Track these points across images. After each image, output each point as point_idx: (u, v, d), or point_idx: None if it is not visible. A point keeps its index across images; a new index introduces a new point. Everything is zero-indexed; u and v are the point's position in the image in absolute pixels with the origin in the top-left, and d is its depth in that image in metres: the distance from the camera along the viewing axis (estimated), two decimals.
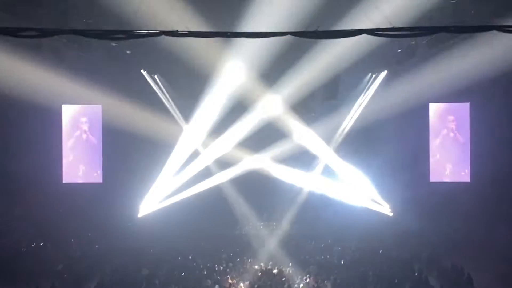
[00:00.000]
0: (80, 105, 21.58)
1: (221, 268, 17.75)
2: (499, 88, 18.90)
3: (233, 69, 18.52)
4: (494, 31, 7.36)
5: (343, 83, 19.94)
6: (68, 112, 21.54)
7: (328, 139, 22.49)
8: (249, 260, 18.49)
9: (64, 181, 21.55)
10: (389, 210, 22.01)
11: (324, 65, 17.63)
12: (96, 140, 21.64)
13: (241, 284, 16.45)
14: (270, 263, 18.12)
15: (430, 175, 21.40)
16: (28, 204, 20.83)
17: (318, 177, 22.74)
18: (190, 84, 20.00)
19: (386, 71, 20.42)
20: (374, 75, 21.33)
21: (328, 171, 22.65)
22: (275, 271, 17.30)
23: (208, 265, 17.97)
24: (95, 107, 21.60)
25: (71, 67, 17.56)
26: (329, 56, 16.94)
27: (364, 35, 7.26)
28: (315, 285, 16.16)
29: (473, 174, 21.09)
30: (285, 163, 22.28)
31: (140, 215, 22.11)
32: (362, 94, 21.89)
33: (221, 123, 21.52)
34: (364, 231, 20.94)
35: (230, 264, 18.09)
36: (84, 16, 14.05)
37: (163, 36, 7.24)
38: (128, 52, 18.14)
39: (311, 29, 7.42)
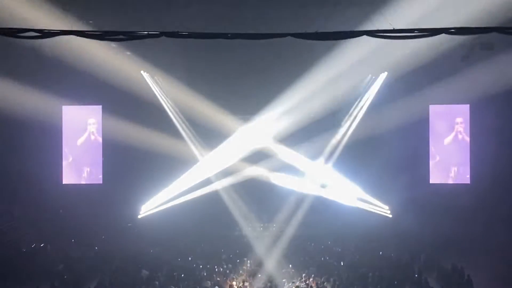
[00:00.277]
0: (80, 106, 21.61)
1: (221, 269, 17.74)
2: (499, 90, 18.90)
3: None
4: (495, 33, 7.36)
5: (343, 84, 19.92)
6: (71, 113, 21.58)
7: (327, 142, 22.58)
8: (249, 261, 18.46)
9: (64, 182, 21.57)
10: (389, 211, 22.02)
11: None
12: (97, 140, 21.69)
13: (241, 285, 16.45)
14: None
15: (430, 177, 21.41)
16: (28, 205, 20.86)
17: (318, 179, 22.78)
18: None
19: (386, 73, 20.42)
20: (374, 77, 21.35)
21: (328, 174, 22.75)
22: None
23: (208, 266, 17.96)
24: (95, 108, 21.63)
25: (71, 68, 17.56)
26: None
27: (364, 37, 7.27)
28: (315, 286, 16.14)
29: (473, 176, 21.10)
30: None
31: (140, 216, 22.11)
32: (362, 95, 21.92)
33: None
34: (364, 233, 20.95)
35: (230, 266, 18.07)
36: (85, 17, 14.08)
37: (163, 37, 7.26)
38: (128, 53, 18.17)
39: (310, 30, 7.43)
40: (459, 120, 21.30)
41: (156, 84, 21.44)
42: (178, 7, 13.78)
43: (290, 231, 21.20)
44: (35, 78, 18.22)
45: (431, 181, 21.45)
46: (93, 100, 21.27)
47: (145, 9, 13.81)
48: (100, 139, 21.63)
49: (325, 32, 7.36)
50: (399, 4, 13.25)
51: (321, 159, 22.74)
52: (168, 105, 21.97)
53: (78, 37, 7.78)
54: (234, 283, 16.56)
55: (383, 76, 20.76)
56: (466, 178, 21.18)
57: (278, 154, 22.37)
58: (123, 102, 20.54)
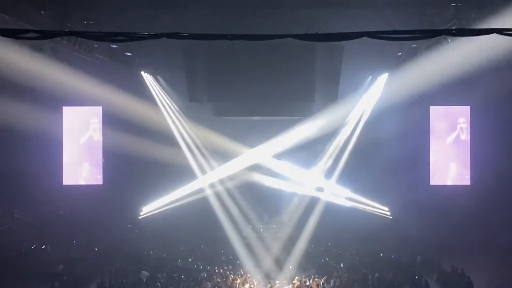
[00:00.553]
0: (81, 107, 21.60)
1: (221, 270, 17.73)
2: (499, 92, 18.88)
3: None
4: (495, 34, 7.34)
5: (344, 85, 19.92)
6: (72, 114, 21.59)
7: (328, 141, 22.61)
8: (248, 262, 18.46)
9: (64, 183, 21.56)
10: (389, 213, 22.03)
11: None
12: (97, 141, 21.69)
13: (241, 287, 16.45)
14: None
15: (430, 178, 21.39)
16: (28, 206, 20.85)
17: (318, 180, 22.80)
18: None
19: (387, 74, 20.42)
20: (374, 77, 21.35)
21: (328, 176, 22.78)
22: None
23: (208, 267, 17.95)
24: (96, 109, 21.63)
25: (71, 68, 17.56)
26: None
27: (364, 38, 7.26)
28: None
29: (473, 177, 21.09)
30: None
31: (140, 217, 22.10)
32: (363, 96, 21.92)
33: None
34: (364, 234, 20.93)
35: (230, 267, 18.06)
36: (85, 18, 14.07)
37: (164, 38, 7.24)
38: (128, 54, 18.18)
39: (311, 31, 7.42)
40: (459, 121, 21.28)
41: (156, 85, 21.46)
42: (178, 8, 13.77)
43: (291, 232, 21.21)
44: (35, 79, 18.22)
45: (431, 183, 21.42)
46: (93, 101, 21.26)
47: (145, 10, 13.81)
48: (100, 140, 21.62)
49: (326, 33, 7.34)
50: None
51: (322, 160, 22.74)
52: (170, 108, 22.03)
53: None
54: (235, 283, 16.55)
55: (383, 77, 20.74)
56: (466, 180, 21.16)
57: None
58: (124, 104, 20.55)
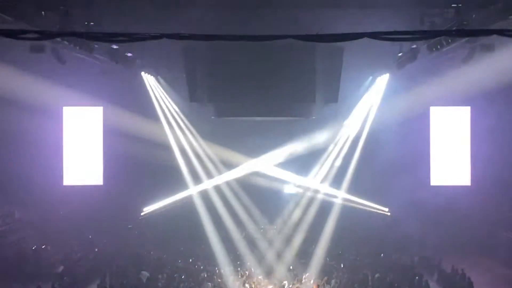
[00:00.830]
0: (81, 107, 21.61)
1: (222, 271, 17.72)
2: (499, 93, 18.90)
3: None
4: (496, 35, 7.34)
5: (344, 86, 19.93)
6: (72, 114, 21.59)
7: (329, 143, 22.62)
8: (248, 263, 18.45)
9: (64, 184, 21.57)
10: (389, 213, 22.04)
11: None
12: (98, 142, 21.70)
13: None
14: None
15: (430, 179, 21.40)
16: (29, 207, 20.86)
17: (319, 181, 22.80)
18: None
19: (388, 74, 20.41)
20: (374, 78, 21.34)
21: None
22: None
23: (209, 268, 17.95)
24: (96, 109, 21.63)
25: (72, 69, 17.57)
26: None
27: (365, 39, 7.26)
28: None
29: (473, 178, 21.10)
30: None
31: (140, 217, 22.09)
32: (363, 97, 21.93)
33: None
34: (364, 235, 20.92)
35: (231, 268, 18.06)
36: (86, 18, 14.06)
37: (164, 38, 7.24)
38: (129, 54, 18.15)
39: (311, 32, 7.42)
40: (459, 122, 21.30)
41: (156, 86, 21.46)
42: (178, 9, 13.77)
43: (291, 233, 21.20)
44: (35, 79, 18.23)
45: (431, 183, 21.43)
46: (94, 101, 21.27)
47: (146, 11, 13.80)
48: (100, 141, 21.62)
49: (326, 34, 7.34)
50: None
51: (322, 162, 22.74)
52: (168, 108, 22.02)
53: None
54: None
55: (384, 78, 20.73)
56: (466, 180, 21.16)
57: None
58: (124, 104, 20.58)
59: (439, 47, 14.32)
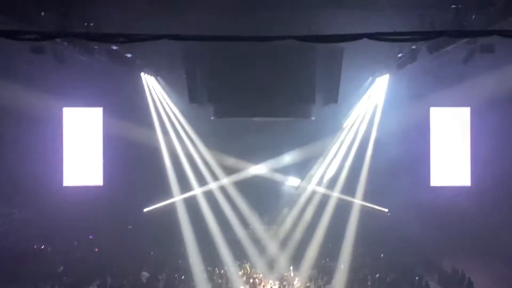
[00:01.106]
0: (81, 108, 21.61)
1: (222, 271, 17.73)
2: (499, 93, 18.90)
3: None
4: (495, 36, 7.35)
5: (344, 86, 19.94)
6: (72, 115, 21.59)
7: (329, 144, 22.63)
8: (248, 263, 18.47)
9: (64, 184, 21.56)
10: (389, 214, 22.03)
11: None
12: (98, 143, 21.68)
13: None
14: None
15: (430, 179, 21.39)
16: (29, 207, 20.85)
17: (319, 182, 22.83)
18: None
19: (387, 75, 20.41)
20: (374, 78, 21.33)
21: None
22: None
23: (209, 268, 17.96)
24: (96, 110, 21.62)
25: (72, 70, 17.57)
26: None
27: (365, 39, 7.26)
28: None
29: (473, 178, 21.09)
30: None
31: (140, 218, 22.08)
32: (363, 97, 21.92)
33: None
34: (365, 235, 20.90)
35: (231, 268, 18.07)
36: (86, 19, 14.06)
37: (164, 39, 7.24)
38: (129, 55, 18.15)
39: (311, 33, 7.42)
40: (460, 122, 21.29)
41: (156, 86, 21.46)
42: (178, 10, 13.77)
43: (291, 233, 21.21)
44: (35, 80, 18.24)
45: (431, 184, 21.42)
46: (94, 102, 21.27)
47: (146, 12, 13.79)
48: (100, 141, 21.61)
49: (326, 35, 7.35)
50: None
51: (322, 162, 22.75)
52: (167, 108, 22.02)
53: None
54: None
55: (384, 78, 20.72)
56: (466, 181, 21.16)
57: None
58: (124, 105, 20.58)
59: (439, 48, 14.33)
